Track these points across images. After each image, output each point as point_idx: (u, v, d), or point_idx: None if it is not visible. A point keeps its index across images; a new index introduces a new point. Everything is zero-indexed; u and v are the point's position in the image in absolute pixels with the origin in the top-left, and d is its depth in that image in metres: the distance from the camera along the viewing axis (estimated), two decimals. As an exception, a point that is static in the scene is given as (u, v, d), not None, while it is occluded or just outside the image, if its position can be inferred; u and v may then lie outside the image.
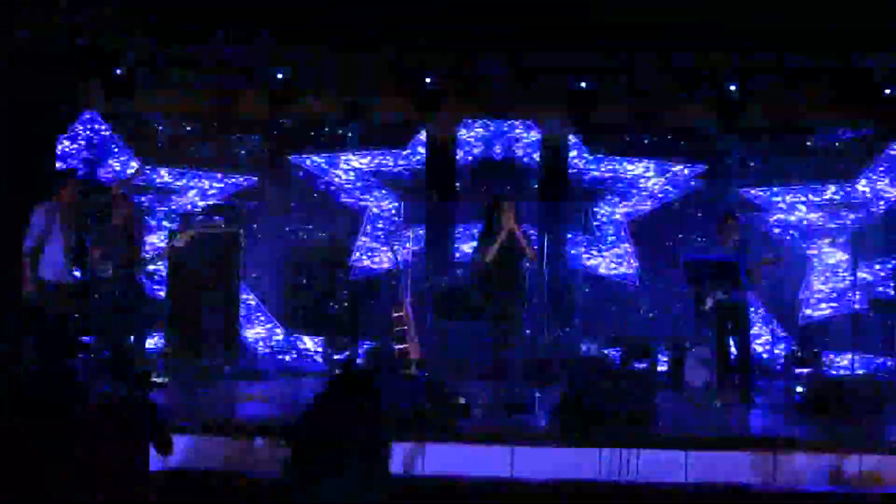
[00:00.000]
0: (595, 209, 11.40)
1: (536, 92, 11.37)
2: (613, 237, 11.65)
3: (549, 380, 9.06)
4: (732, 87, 11.09)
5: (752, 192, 11.59)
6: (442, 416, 7.39)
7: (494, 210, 8.49)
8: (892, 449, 7.15)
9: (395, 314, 9.46)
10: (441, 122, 11.71)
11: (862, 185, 11.48)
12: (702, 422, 8.09)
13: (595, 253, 11.58)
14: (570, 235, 11.50)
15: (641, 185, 11.68)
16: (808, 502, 6.61)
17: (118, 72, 11.18)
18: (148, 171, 10.75)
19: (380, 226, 11.60)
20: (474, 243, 9.20)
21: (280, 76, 11.03)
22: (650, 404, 7.48)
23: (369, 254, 11.59)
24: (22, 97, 10.82)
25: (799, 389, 9.53)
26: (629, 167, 11.66)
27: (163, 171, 11.54)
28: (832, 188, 11.50)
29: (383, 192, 11.69)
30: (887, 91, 10.93)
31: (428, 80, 11.17)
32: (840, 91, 11.18)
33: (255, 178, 11.56)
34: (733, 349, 9.11)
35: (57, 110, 11.64)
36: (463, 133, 11.78)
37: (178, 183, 11.55)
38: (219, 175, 11.56)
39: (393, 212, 11.53)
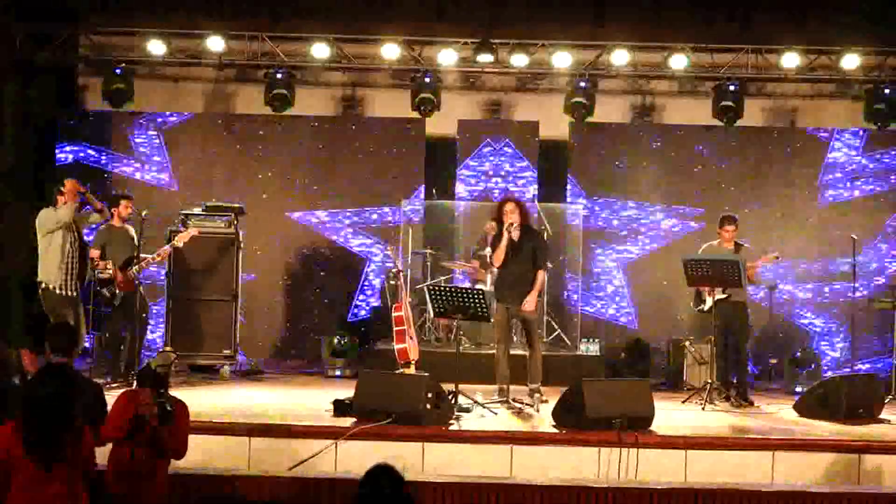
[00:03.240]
0: None
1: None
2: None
3: (549, 380, 9.06)
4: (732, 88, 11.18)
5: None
6: (442, 416, 7.39)
7: (500, 211, 8.47)
8: (892, 448, 7.15)
9: (395, 314, 9.44)
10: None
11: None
12: (702, 422, 8.08)
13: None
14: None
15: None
16: (808, 502, 6.60)
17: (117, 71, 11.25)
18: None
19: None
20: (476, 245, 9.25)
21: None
22: (650, 404, 7.48)
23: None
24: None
25: (799, 389, 9.56)
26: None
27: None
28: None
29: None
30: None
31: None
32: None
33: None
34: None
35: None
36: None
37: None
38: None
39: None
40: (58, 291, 8.51)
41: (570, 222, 11.53)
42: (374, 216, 11.77)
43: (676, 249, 11.03)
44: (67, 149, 11.77)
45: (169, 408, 5.45)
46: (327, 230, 11.79)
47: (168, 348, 9.73)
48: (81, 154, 11.78)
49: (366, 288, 11.76)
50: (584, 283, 11.52)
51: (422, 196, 11.67)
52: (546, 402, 8.19)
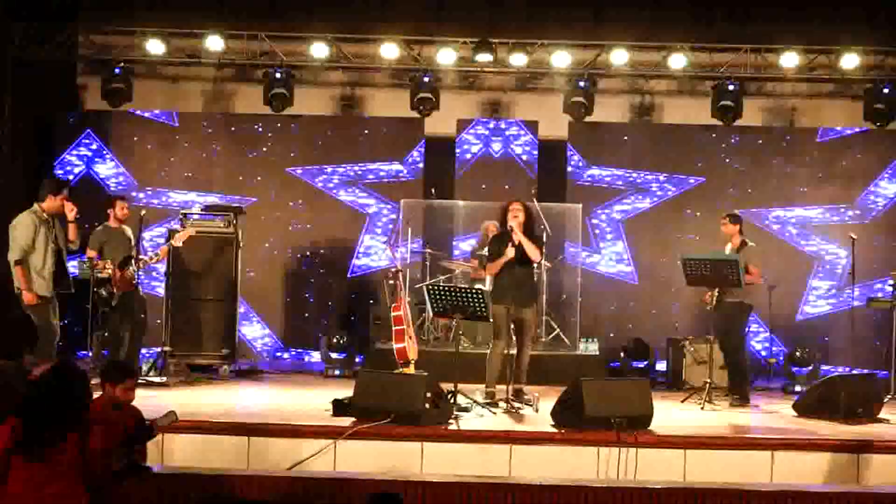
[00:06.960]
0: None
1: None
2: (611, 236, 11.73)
3: (548, 379, 9.05)
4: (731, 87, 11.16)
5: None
6: (441, 416, 7.39)
7: (505, 211, 8.46)
8: (891, 447, 7.15)
9: (394, 314, 9.44)
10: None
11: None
12: (701, 421, 8.07)
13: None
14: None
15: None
16: (808, 502, 6.60)
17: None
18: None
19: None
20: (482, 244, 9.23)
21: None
22: (649, 404, 7.47)
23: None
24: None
25: (798, 389, 9.56)
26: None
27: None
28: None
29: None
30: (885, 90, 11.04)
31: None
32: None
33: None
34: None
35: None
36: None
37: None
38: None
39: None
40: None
41: (568, 221, 11.52)
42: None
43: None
44: (66, 148, 11.76)
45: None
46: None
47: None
48: (80, 154, 11.76)
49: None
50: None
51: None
52: (530, 402, 8.21)
